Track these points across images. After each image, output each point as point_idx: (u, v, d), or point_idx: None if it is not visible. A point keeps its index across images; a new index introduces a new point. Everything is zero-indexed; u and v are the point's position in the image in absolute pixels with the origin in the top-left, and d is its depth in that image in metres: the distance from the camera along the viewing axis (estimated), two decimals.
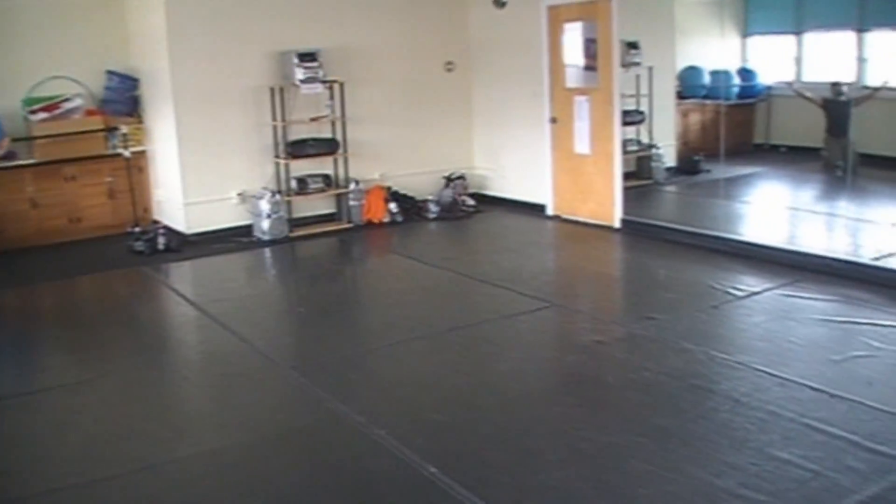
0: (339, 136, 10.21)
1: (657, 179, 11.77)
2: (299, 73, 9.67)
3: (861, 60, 12.96)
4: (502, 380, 5.67)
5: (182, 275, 8.77)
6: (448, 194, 10.92)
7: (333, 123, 10.18)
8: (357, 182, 10.23)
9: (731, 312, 6.86)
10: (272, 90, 9.79)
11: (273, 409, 5.37)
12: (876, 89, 11.42)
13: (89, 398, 5.61)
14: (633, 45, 10.86)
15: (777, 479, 4.15)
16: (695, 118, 13.32)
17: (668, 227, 9.36)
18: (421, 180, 10.99)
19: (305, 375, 5.79)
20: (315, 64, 9.74)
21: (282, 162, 9.92)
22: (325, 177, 10.14)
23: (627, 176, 10.15)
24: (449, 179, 11.06)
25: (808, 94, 12.00)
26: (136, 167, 9.94)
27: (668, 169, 12.10)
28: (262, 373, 5.96)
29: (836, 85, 11.89)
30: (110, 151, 9.90)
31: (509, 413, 5.11)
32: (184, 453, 4.75)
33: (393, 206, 10.46)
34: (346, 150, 10.26)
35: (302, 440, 4.89)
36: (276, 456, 4.68)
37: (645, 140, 11.74)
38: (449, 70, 11.33)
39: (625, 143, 10.22)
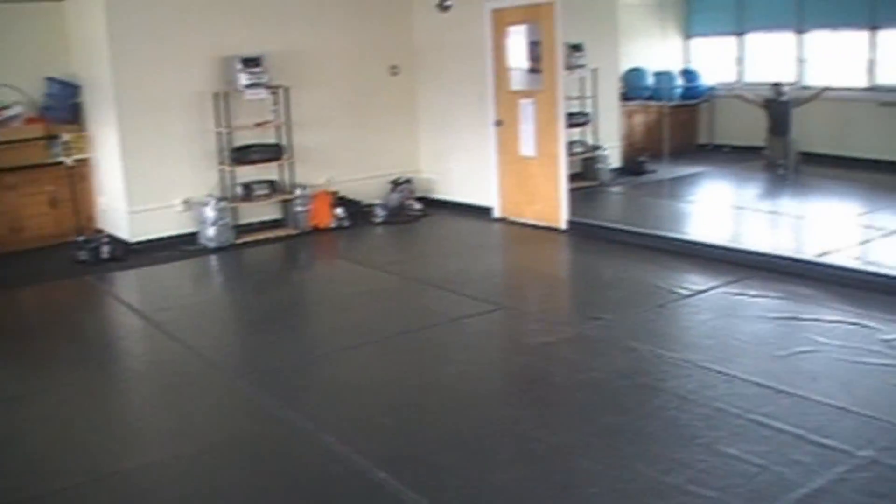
0: (284, 142, 10.15)
1: (603, 180, 11.84)
2: (243, 79, 9.60)
3: (801, 61, 13.16)
4: (451, 382, 5.66)
5: (127, 284, 8.66)
6: (395, 198, 10.90)
7: (279, 129, 10.11)
8: (303, 187, 10.17)
9: (677, 311, 6.91)
10: (216, 96, 9.70)
11: (220, 418, 5.32)
12: (818, 92, 11.62)
13: (32, 411, 5.51)
14: (577, 48, 10.94)
15: (725, 474, 4.18)
16: (639, 119, 13.43)
17: (615, 228, 9.42)
18: (368, 185, 10.95)
19: (253, 383, 5.75)
20: (259, 69, 9.67)
21: (227, 168, 9.84)
22: (271, 183, 10.07)
23: (573, 177, 10.20)
24: (395, 184, 11.03)
25: (749, 96, 12.15)
26: (78, 175, 9.78)
27: (614, 170, 12.18)
28: (209, 381, 5.91)
29: (777, 85, 12.06)
30: (52, 160, 9.72)
31: (459, 415, 5.11)
32: (131, 465, 4.69)
33: (340, 211, 10.41)
34: (291, 156, 10.20)
35: (250, 448, 4.83)
36: (225, 465, 4.64)
37: (590, 141, 11.82)
38: (394, 74, 11.30)
39: (570, 144, 10.27)
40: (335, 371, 6.00)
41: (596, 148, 11.84)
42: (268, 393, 5.53)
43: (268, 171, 10.07)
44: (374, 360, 6.16)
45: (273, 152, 10.03)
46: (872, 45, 12.62)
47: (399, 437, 4.84)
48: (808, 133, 12.17)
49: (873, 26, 12.52)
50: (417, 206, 10.95)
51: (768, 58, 13.72)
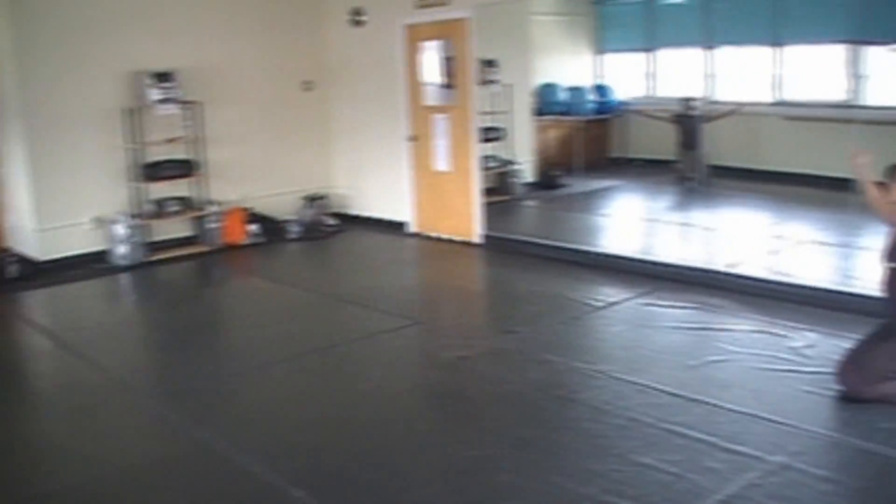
0: (197, 158, 10.02)
1: (517, 195, 11.92)
2: (155, 94, 9.46)
3: (710, 76, 13.42)
4: (367, 399, 5.62)
5: (35, 304, 8.46)
6: (309, 214, 10.84)
7: (191, 144, 9.98)
8: (217, 204, 10.05)
9: (590, 323, 6.97)
10: (127, 111, 9.53)
11: (133, 440, 5.21)
12: (730, 111, 11.88)
13: None
14: (490, 63, 10.99)
15: (639, 483, 4.23)
16: (552, 134, 13.55)
17: (529, 242, 9.49)
18: (282, 201, 10.86)
19: (166, 403, 5.65)
20: (171, 84, 9.53)
21: (138, 185, 9.67)
22: (183, 199, 9.93)
23: (487, 192, 10.25)
24: (310, 199, 10.97)
25: (654, 112, 12.35)
26: None
27: (528, 184, 12.28)
28: (121, 402, 5.79)
29: (687, 100, 12.27)
30: None
31: (375, 432, 5.07)
32: (40, 490, 4.56)
33: (254, 227, 10.31)
34: (204, 172, 10.07)
35: (164, 470, 4.73)
36: (138, 489, 4.53)
37: (504, 156, 11.88)
38: (308, 89, 11.25)
39: (484, 159, 10.31)
40: (250, 389, 5.92)
41: (510, 162, 11.91)
42: (181, 413, 5.44)
43: (180, 188, 9.93)
44: (289, 377, 6.10)
45: (185, 168, 9.90)
46: (778, 61, 12.94)
47: (315, 454, 4.79)
48: (717, 147, 12.40)
49: (777, 43, 12.83)
50: (332, 221, 10.90)
51: (678, 73, 13.97)
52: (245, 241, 10.20)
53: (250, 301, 8.47)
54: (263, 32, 10.76)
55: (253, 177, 10.67)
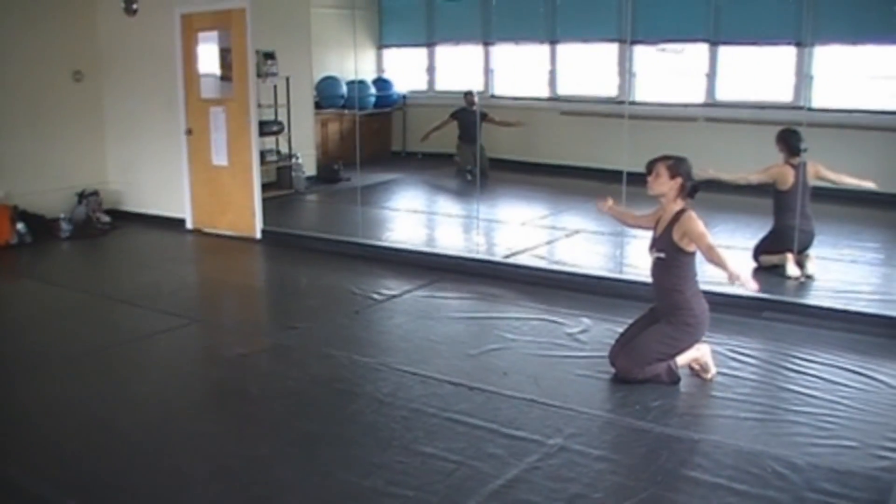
0: None
1: (298, 189, 11.82)
2: None
3: (489, 71, 13.72)
4: (143, 401, 5.40)
5: None
6: (81, 211, 10.36)
7: None
8: None
9: (372, 316, 6.95)
10: None
11: None
12: (514, 122, 12.28)
13: None
14: (269, 56, 10.86)
15: (423, 473, 4.23)
16: (333, 127, 13.52)
17: (309, 236, 9.41)
18: (51, 197, 10.28)
19: None
20: None
21: None
22: None
23: (268, 186, 10.11)
24: (81, 196, 10.48)
25: (437, 123, 12.59)
26: None
27: (309, 178, 12.20)
28: None
29: (467, 94, 12.48)
30: None
31: (152, 434, 4.87)
32: None
33: (21, 226, 9.73)
34: None
35: None
36: None
37: (284, 150, 11.76)
38: (77, 80, 10.71)
39: (263, 153, 10.17)
40: (17, 396, 5.57)
41: (290, 156, 11.79)
42: None
43: None
44: (61, 382, 5.75)
45: None
46: (553, 58, 13.36)
47: (89, 462, 4.54)
48: (495, 141, 12.68)
49: (552, 41, 13.24)
50: (106, 218, 10.45)
51: (458, 68, 14.21)
52: (11, 240, 9.61)
53: (17, 303, 7.97)
54: (28, 19, 10.10)
55: (18, 172, 10.06)
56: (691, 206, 5.30)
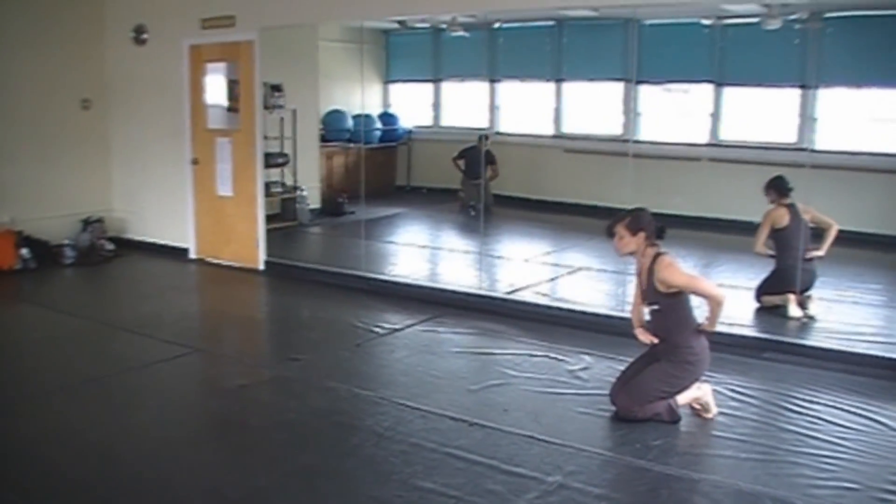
0: None
1: (302, 221, 11.82)
2: None
3: (494, 108, 13.75)
4: (143, 430, 5.39)
5: None
6: (85, 238, 10.39)
7: None
8: None
9: (373, 349, 6.94)
10: None
11: None
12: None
13: None
14: (276, 88, 10.89)
15: None
16: (339, 161, 13.53)
17: (313, 268, 9.41)
18: (56, 224, 10.32)
19: None
20: None
21: None
22: None
23: (272, 218, 10.11)
24: (86, 223, 10.52)
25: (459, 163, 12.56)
26: None
27: (313, 210, 12.20)
28: None
29: (482, 138, 12.53)
30: None
31: (151, 463, 4.86)
32: None
33: (25, 251, 9.77)
34: None
35: None
36: None
37: (289, 182, 11.77)
38: (86, 108, 10.78)
39: (268, 185, 10.18)
40: (17, 422, 5.55)
41: (295, 188, 11.81)
42: None
43: None
44: (61, 409, 5.74)
45: None
46: (558, 96, 13.40)
47: (87, 489, 4.52)
48: (500, 177, 12.69)
49: (558, 79, 13.28)
50: (110, 246, 10.47)
51: (463, 104, 14.25)
52: (16, 266, 9.64)
53: (20, 329, 7.96)
54: (38, 47, 10.20)
55: (24, 198, 10.11)
56: (661, 246, 5.33)
